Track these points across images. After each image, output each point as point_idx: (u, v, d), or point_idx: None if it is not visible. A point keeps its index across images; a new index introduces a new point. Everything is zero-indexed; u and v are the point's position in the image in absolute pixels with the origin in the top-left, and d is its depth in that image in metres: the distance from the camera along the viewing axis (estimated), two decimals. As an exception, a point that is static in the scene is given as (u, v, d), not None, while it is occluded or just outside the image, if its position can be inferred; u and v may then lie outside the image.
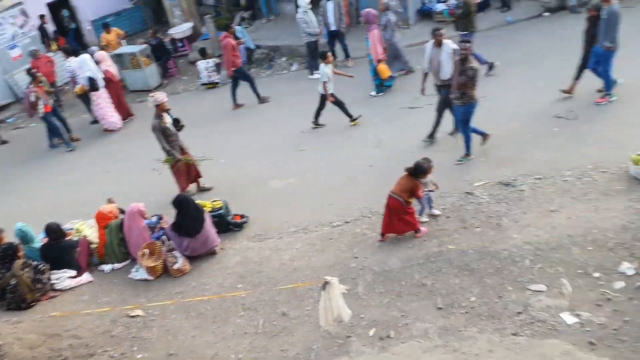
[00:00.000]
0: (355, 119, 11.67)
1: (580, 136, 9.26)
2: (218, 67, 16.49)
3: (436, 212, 8.16)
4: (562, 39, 12.70)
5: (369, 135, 11.15)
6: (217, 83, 16.31)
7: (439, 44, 9.67)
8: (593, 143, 8.94)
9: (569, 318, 5.97)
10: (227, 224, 9.02)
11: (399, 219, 7.74)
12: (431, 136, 10.16)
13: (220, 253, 8.56)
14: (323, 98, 11.64)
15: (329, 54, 11.61)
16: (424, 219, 8.08)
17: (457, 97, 9.08)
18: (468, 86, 8.86)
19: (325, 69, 11.33)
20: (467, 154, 9.37)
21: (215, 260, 8.45)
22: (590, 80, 10.17)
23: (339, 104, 11.63)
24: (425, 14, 16.57)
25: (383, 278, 7.21)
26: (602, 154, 8.54)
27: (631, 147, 8.14)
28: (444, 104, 9.90)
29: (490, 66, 12.25)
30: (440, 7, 16.07)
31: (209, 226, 8.46)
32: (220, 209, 9.01)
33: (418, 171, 7.60)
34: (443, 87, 9.81)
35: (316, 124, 12.00)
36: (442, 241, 7.61)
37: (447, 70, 9.60)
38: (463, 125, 9.30)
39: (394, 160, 9.74)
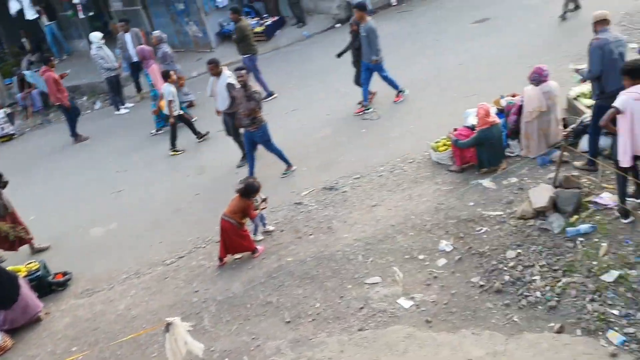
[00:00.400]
0: (177, 151, 11.35)
1: (385, 133, 9.97)
2: (11, 117, 15.02)
3: (270, 227, 8.23)
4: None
5: (189, 164, 10.92)
6: (12, 135, 14.83)
7: (214, 75, 9.80)
8: (397, 137, 9.68)
9: (405, 302, 6.36)
10: (48, 285, 8.20)
11: (233, 241, 7.67)
12: (244, 158, 10.16)
13: (46, 318, 7.75)
14: (182, 119, 11.17)
15: (172, 72, 11.21)
16: (259, 237, 8.09)
17: (247, 124, 9.09)
18: (256, 111, 8.97)
19: (170, 88, 10.92)
20: (289, 166, 9.60)
21: (41, 327, 7.62)
22: (383, 83, 10.99)
23: (174, 128, 11.24)
24: (225, 36, 16.77)
25: (228, 305, 7.08)
26: (407, 146, 9.27)
27: (428, 136, 8.96)
28: (233, 130, 10.01)
29: (269, 95, 12.56)
30: (239, 28, 16.34)
31: (26, 292, 7.61)
32: (37, 270, 8.16)
33: (249, 191, 7.60)
34: (226, 115, 9.95)
35: (200, 136, 11.47)
36: (280, 255, 7.68)
37: (222, 101, 9.76)
38: (268, 145, 9.35)
39: (220, 184, 9.67)
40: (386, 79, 10.67)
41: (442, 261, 6.78)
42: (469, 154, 8.10)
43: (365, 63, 10.41)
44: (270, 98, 12.53)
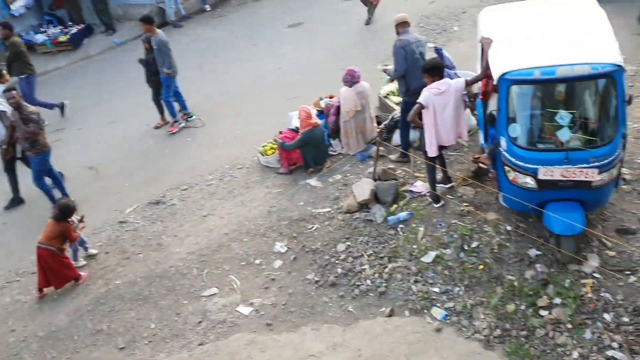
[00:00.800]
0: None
1: (212, 140, 9.79)
2: None
3: (93, 251, 7.67)
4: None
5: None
6: None
7: None
8: (224, 144, 9.57)
9: (244, 309, 6.33)
10: None
11: (53, 270, 7.03)
12: (14, 202, 9.06)
13: None
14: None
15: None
16: (81, 262, 7.51)
17: (27, 148, 8.30)
18: (38, 133, 8.23)
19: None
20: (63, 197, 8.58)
21: None
22: (205, 90, 10.84)
23: None
24: (28, 46, 15.22)
25: (52, 340, 6.50)
26: (235, 152, 9.21)
27: (254, 141, 9.02)
28: (10, 164, 8.91)
29: (62, 107, 11.58)
30: (41, 38, 15.05)
31: None
32: None
33: (65, 212, 7.06)
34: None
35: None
36: (107, 279, 7.22)
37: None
38: (38, 177, 8.48)
39: (29, 209, 8.87)
40: (166, 101, 10.10)
41: (278, 263, 6.86)
42: (295, 156, 8.29)
43: (161, 76, 9.86)
44: (65, 110, 11.52)
